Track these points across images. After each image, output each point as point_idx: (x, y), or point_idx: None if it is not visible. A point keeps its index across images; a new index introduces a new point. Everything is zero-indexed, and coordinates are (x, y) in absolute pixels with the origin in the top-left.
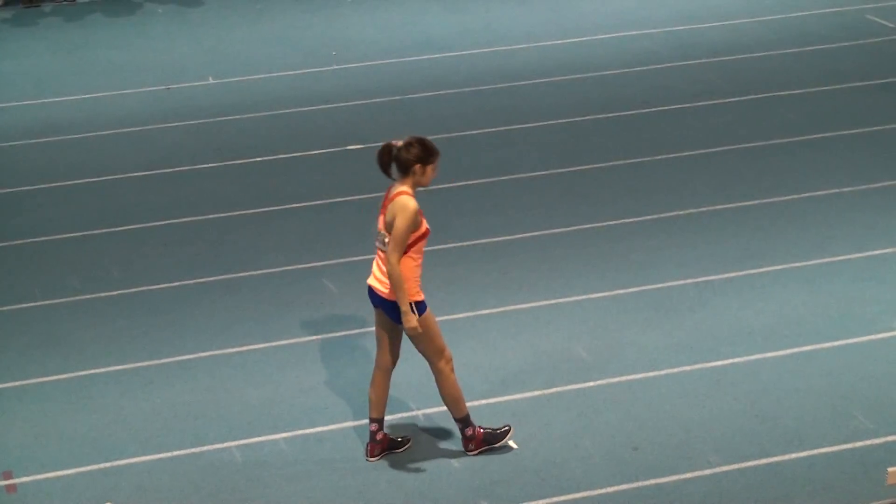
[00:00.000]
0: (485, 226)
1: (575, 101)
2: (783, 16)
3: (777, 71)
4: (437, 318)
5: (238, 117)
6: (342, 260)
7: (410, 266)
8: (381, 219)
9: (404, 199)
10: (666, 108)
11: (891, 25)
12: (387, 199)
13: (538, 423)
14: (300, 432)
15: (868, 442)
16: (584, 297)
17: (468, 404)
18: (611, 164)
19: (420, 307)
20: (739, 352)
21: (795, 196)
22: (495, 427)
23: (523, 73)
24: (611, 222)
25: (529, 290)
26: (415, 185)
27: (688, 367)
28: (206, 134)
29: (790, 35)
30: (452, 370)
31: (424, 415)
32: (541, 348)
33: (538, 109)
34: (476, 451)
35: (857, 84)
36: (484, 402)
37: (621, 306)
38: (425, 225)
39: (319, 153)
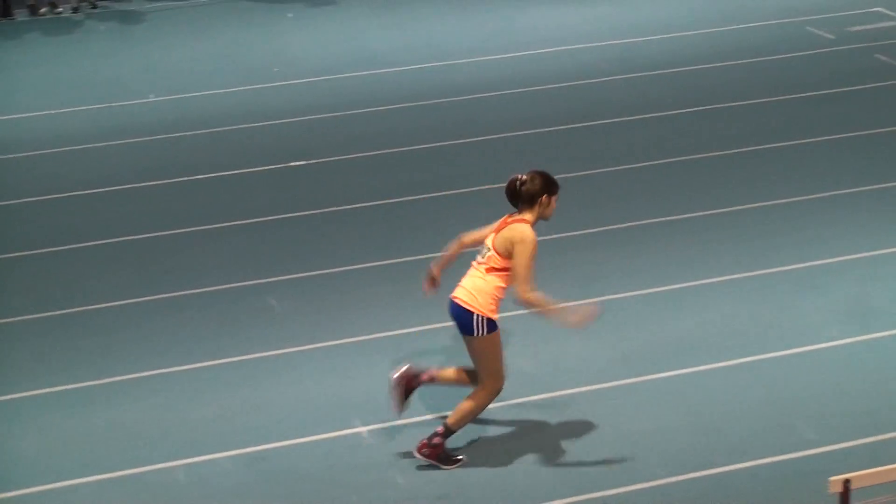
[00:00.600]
0: (428, 241)
1: (518, 116)
2: (724, 28)
3: (718, 83)
4: (388, 334)
5: (180, 134)
6: (286, 277)
7: (498, 285)
8: (492, 236)
9: (524, 229)
10: (608, 120)
11: (831, 37)
12: (504, 223)
13: (484, 436)
14: (245, 451)
15: (810, 452)
16: (527, 310)
17: (423, 418)
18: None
19: (491, 326)
20: (683, 364)
21: (737, 207)
22: (454, 451)
23: (466, 87)
24: (555, 235)
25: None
26: (538, 217)
27: (632, 380)
28: (148, 151)
29: (731, 47)
30: (492, 399)
31: (370, 432)
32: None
33: (482, 124)
34: (425, 458)
35: (798, 95)
36: (430, 416)
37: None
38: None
39: (262, 170)
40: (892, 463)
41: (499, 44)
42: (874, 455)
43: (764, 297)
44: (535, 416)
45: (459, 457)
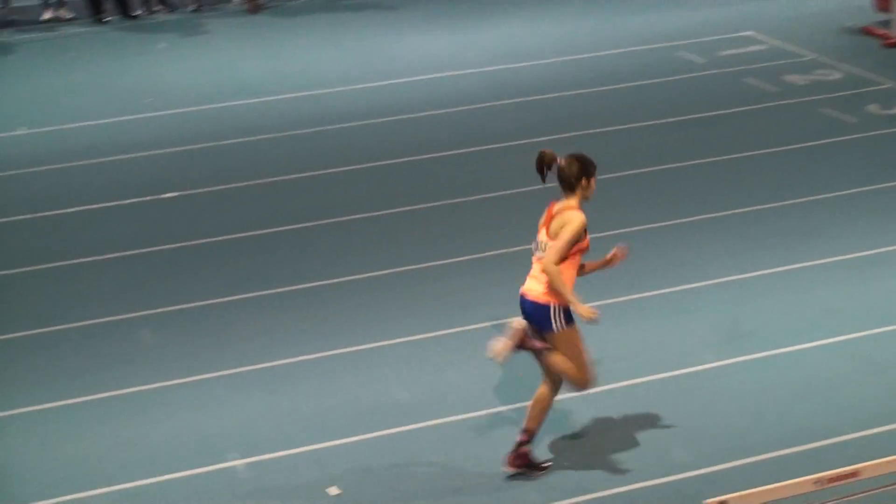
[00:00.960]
0: (301, 271)
1: (391, 143)
2: (595, 54)
3: (592, 109)
4: (258, 366)
5: (51, 167)
6: (158, 311)
7: (568, 275)
8: (542, 231)
9: (573, 212)
10: (481, 147)
11: (701, 61)
12: (549, 216)
13: (359, 468)
14: (118, 487)
15: (686, 474)
16: (404, 339)
17: (292, 451)
18: (427, 205)
19: (567, 317)
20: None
21: (608, 233)
22: (539, 460)
23: (340, 116)
24: (429, 263)
25: (348, 334)
26: (581, 200)
27: (508, 407)
28: (17, 185)
29: (603, 73)
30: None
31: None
32: (361, 393)
33: (355, 152)
34: (514, 469)
35: (670, 120)
36: (305, 448)
37: (442, 347)
38: (588, 240)
39: (135, 202)
40: (767, 483)
41: (373, 71)
42: (748, 476)
43: (635, 321)
44: (410, 446)
45: (548, 462)
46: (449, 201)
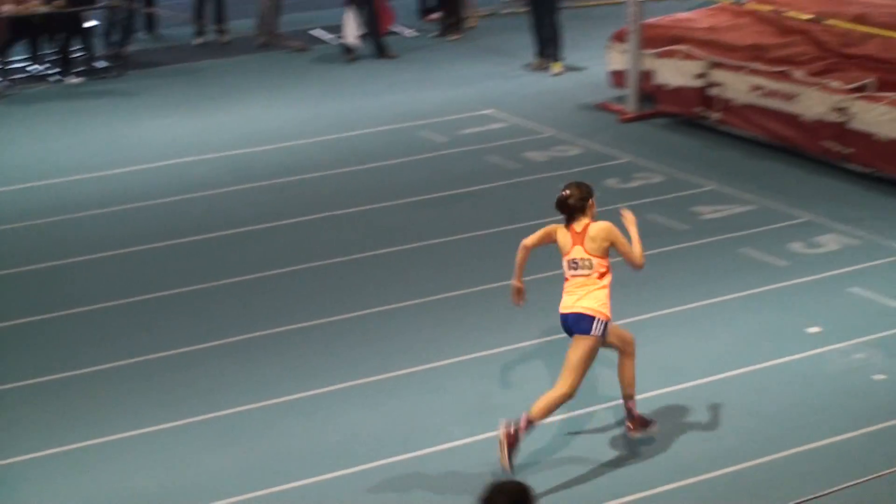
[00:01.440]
0: (43, 364)
1: (134, 231)
2: (339, 136)
3: (336, 190)
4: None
5: None
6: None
7: (608, 285)
8: (575, 249)
9: (601, 223)
10: (227, 232)
11: (443, 140)
12: (574, 235)
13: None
14: None
15: None
16: (151, 429)
17: None
18: (173, 291)
19: (604, 330)
20: (311, 473)
21: (356, 314)
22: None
23: (80, 204)
24: (174, 351)
25: (93, 426)
26: (591, 217)
27: (260, 493)
28: None
29: (347, 154)
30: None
31: None
32: (109, 486)
33: (96, 240)
34: (637, 433)
35: (415, 199)
36: None
37: (191, 435)
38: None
39: None
40: None
41: (114, 158)
42: None
43: (386, 401)
44: None
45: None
46: (193, 287)
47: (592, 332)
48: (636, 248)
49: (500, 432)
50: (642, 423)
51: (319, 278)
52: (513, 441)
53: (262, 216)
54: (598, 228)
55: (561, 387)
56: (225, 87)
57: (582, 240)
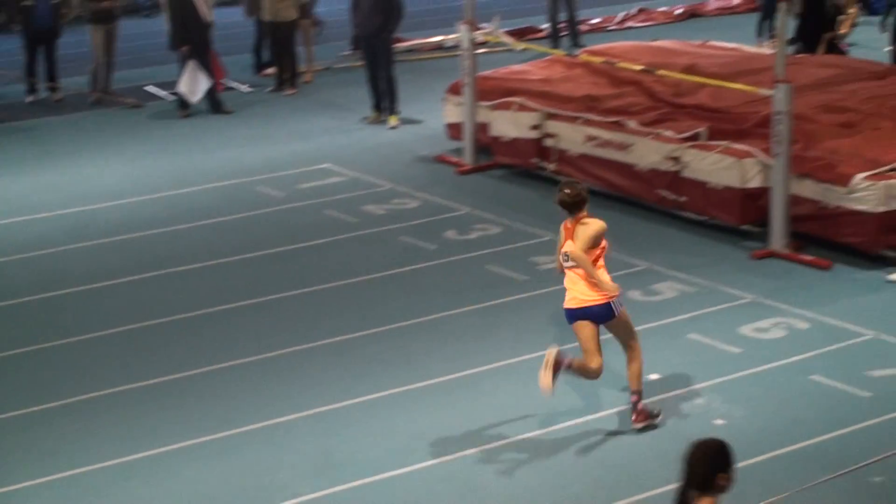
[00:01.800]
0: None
1: None
2: (174, 192)
3: (173, 247)
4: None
5: None
6: None
7: (602, 269)
8: (569, 243)
9: (594, 219)
10: (64, 291)
11: (280, 195)
12: (566, 230)
13: None
14: None
15: None
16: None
17: None
18: (11, 352)
19: (621, 302)
20: None
21: (199, 370)
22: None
23: None
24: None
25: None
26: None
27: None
28: None
29: (183, 210)
30: (633, 353)
31: None
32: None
33: None
34: (641, 425)
35: (253, 255)
36: None
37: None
38: (604, 243)
39: None
40: None
41: None
42: None
43: (231, 458)
44: None
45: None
46: (21, 349)
47: (617, 314)
48: (581, 245)
49: (550, 354)
50: (649, 415)
51: (161, 335)
52: (556, 369)
53: (96, 275)
54: (590, 222)
55: (635, 349)
56: (58, 144)
57: (572, 235)
